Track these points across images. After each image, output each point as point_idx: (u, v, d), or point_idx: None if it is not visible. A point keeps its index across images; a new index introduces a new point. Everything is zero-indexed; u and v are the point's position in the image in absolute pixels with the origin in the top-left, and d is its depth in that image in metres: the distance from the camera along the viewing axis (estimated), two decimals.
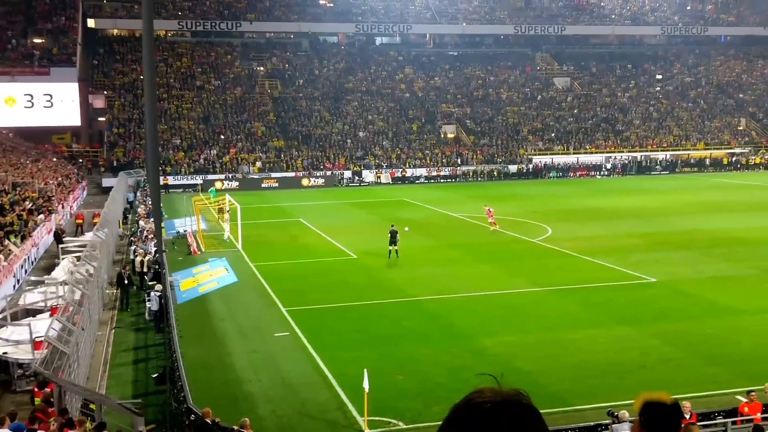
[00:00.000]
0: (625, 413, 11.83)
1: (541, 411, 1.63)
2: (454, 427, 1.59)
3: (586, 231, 34.50)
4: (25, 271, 26.16)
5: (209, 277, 26.67)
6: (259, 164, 58.45)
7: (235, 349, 18.88)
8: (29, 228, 29.09)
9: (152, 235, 28.24)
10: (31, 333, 16.25)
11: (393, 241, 28.55)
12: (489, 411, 1.57)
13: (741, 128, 72.29)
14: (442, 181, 59.94)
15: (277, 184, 56.00)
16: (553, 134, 67.69)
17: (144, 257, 26.42)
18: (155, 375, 17.06)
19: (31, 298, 20.45)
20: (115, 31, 69.62)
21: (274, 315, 21.76)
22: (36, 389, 14.27)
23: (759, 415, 12.81)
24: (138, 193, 47.36)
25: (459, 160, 62.19)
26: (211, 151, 59.20)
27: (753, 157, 67.37)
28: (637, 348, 18.22)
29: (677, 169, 65.23)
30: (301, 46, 74.80)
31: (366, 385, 13.40)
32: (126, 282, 23.79)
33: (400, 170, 59.85)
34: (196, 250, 31.42)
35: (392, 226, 29.28)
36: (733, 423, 12.74)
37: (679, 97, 75.95)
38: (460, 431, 1.58)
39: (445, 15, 77.42)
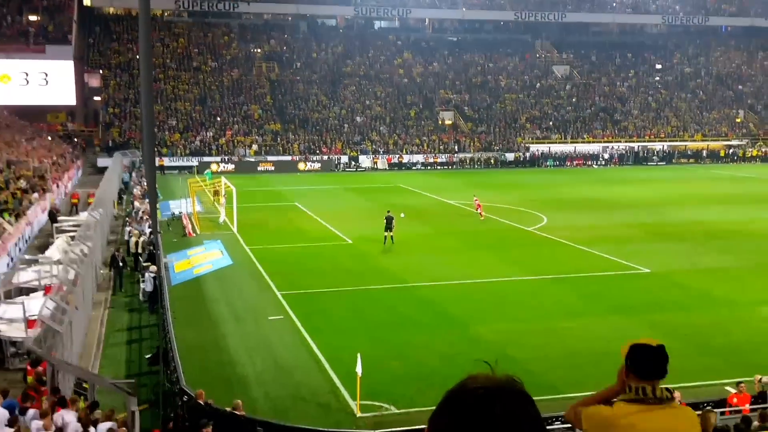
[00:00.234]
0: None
1: (534, 398, 1.62)
2: (448, 413, 1.58)
3: (581, 220, 34.54)
4: (19, 250, 26.09)
5: (204, 259, 26.66)
6: (255, 147, 58.27)
7: (229, 331, 18.90)
8: (23, 207, 29.00)
9: (147, 216, 28.18)
10: (24, 311, 16.24)
11: (388, 227, 28.55)
12: (482, 397, 1.56)
13: (739, 120, 72.26)
14: (438, 168, 59.85)
15: (273, 168, 55.85)
16: (551, 123, 67.61)
17: (138, 238, 26.39)
18: (149, 356, 17.08)
19: (25, 276, 20.42)
20: (111, 10, 69.02)
21: (269, 298, 21.78)
22: (29, 367, 14.27)
23: (747, 406, 12.85)
24: (133, 174, 47.18)
25: (456, 147, 62.08)
26: (208, 133, 58.98)
27: (750, 150, 67.43)
28: (631, 337, 17.68)
29: (674, 160, 65.24)
30: (299, 29, 74.34)
31: (359, 369, 13.44)
32: (120, 264, 23.77)
33: (397, 156, 59.73)
34: (191, 232, 31.37)
35: (388, 212, 29.26)
36: (722, 414, 12.79)
37: (678, 87, 75.85)
38: (453, 417, 1.57)
39: (445, 0, 76.96)
